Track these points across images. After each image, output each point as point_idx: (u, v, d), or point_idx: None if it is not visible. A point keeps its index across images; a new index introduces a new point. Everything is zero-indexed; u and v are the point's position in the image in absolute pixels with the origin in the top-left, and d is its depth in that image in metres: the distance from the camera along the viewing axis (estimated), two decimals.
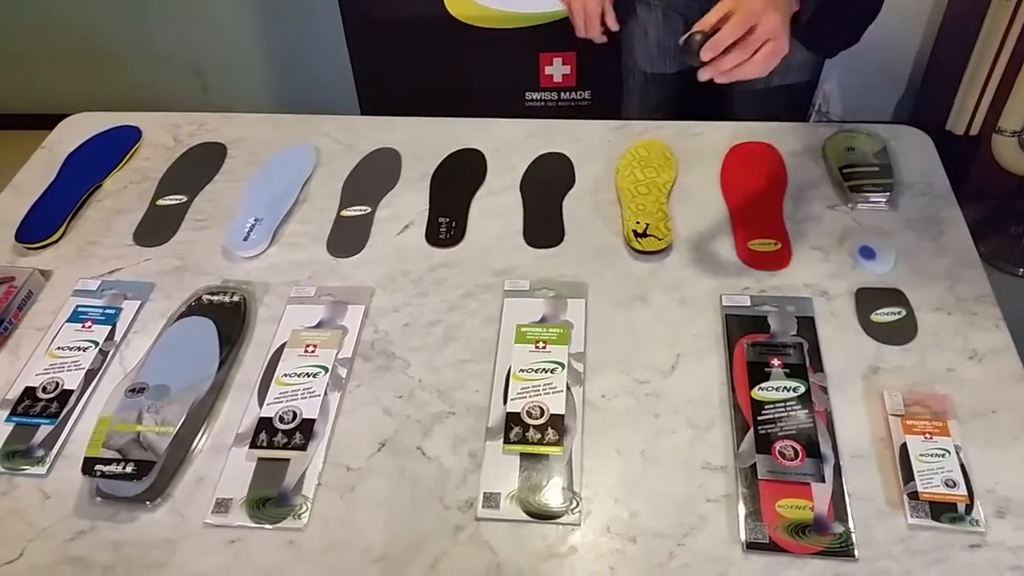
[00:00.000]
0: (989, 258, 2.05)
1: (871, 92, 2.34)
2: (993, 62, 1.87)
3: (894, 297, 0.98)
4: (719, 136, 1.23)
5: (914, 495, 0.80)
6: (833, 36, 1.17)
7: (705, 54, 0.89)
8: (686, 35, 0.89)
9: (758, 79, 0.91)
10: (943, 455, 0.82)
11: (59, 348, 0.99)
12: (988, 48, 1.88)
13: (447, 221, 1.12)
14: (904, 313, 0.97)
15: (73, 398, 0.94)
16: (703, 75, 0.90)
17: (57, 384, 0.95)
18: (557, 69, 1.82)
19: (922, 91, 2.24)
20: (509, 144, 1.24)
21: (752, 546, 0.77)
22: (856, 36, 1.15)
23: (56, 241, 1.14)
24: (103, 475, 0.83)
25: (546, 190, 1.17)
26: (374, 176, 1.21)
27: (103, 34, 2.44)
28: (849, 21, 1.13)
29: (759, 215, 1.09)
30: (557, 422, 0.87)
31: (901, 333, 0.95)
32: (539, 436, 0.86)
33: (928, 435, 0.84)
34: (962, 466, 0.81)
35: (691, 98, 1.48)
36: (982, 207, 2.10)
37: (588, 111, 1.88)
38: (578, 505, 0.82)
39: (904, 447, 0.83)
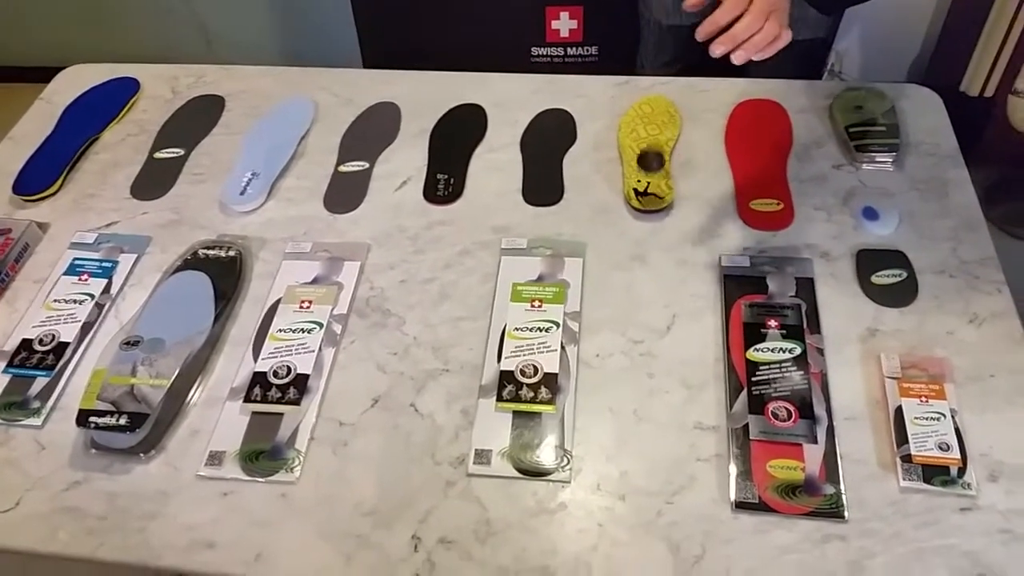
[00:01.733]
0: (1001, 223, 2.01)
1: (886, 52, 2.29)
2: (1011, 22, 1.82)
3: (896, 259, 0.97)
4: (726, 93, 1.20)
5: (907, 458, 0.79)
6: None
7: (699, 35, 0.86)
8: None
9: None
10: (938, 418, 0.82)
11: (56, 301, 0.99)
12: (1006, 7, 1.83)
13: (445, 177, 1.11)
14: (905, 275, 0.95)
15: (69, 350, 0.94)
16: (714, 50, 0.87)
17: (53, 336, 0.95)
18: (564, 23, 1.78)
19: (937, 51, 2.19)
20: (511, 99, 1.22)
21: (741, 505, 0.77)
22: None
23: (54, 194, 1.14)
24: (97, 427, 0.83)
25: (547, 147, 1.15)
26: (373, 131, 1.19)
27: None
28: None
29: (762, 174, 1.08)
30: (550, 381, 0.87)
31: (901, 295, 0.94)
32: (532, 394, 0.86)
33: (924, 398, 0.83)
34: (957, 430, 0.81)
35: (706, 51, 1.45)
36: (995, 171, 2.06)
37: (595, 67, 1.85)
38: (569, 463, 0.82)
39: (899, 410, 0.83)
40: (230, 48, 2.52)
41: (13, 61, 2.61)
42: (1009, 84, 1.94)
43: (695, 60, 1.44)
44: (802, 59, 1.38)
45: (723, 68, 1.41)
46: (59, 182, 1.14)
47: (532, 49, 1.83)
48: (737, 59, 0.85)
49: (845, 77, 2.28)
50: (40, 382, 0.92)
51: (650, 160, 1.03)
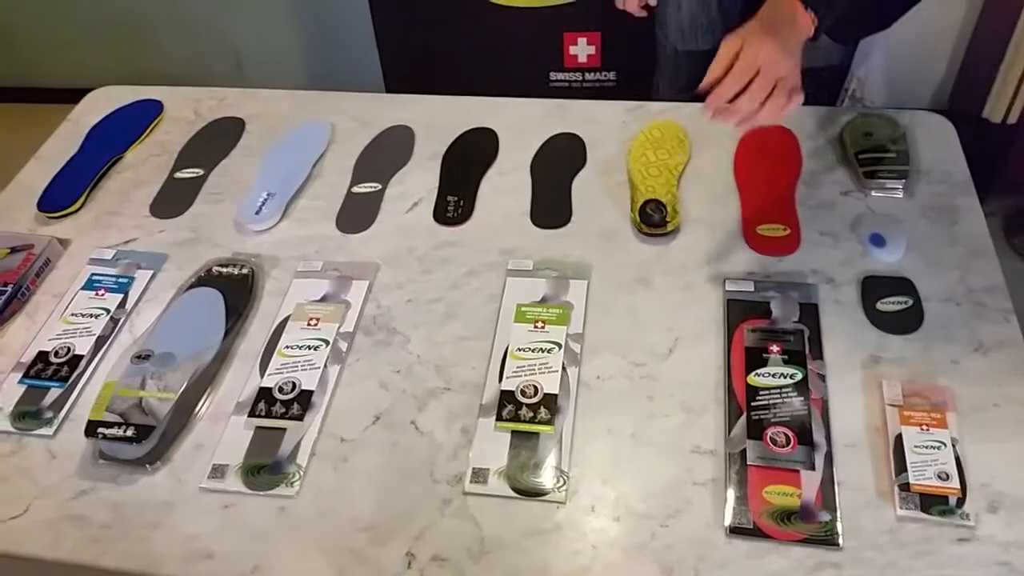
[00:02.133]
0: (1023, 251, 1.99)
1: (908, 78, 2.28)
2: None
3: (902, 286, 0.97)
4: None
5: (905, 486, 0.79)
6: (857, 28, 1.14)
7: (707, 111, 0.87)
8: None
9: None
10: (938, 447, 0.81)
11: (73, 314, 1.02)
12: None
13: (455, 200, 1.13)
14: (911, 302, 0.95)
15: (83, 363, 0.97)
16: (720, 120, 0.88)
17: (69, 349, 0.98)
18: (582, 49, 1.80)
19: (960, 77, 2.18)
20: (523, 124, 1.24)
21: (735, 530, 0.77)
22: (887, 23, 1.11)
23: (76, 211, 1.17)
24: (105, 437, 0.85)
25: (556, 171, 1.16)
26: (387, 153, 1.22)
27: (141, 9, 2.48)
28: (871, 13, 1.10)
29: (770, 200, 1.08)
30: (550, 401, 0.88)
31: (906, 322, 0.93)
32: (531, 414, 0.87)
33: (925, 427, 0.83)
34: (957, 459, 0.80)
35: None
36: (1017, 199, 2.04)
37: (613, 92, 1.86)
38: (565, 483, 0.82)
39: (899, 438, 0.82)
40: (260, 71, 2.57)
41: (45, 83, 2.69)
42: None
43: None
44: (816, 86, 1.39)
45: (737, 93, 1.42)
46: (82, 200, 1.18)
47: (550, 74, 1.85)
48: (742, 128, 0.86)
49: (867, 103, 2.27)
50: (54, 393, 0.94)
51: (650, 212, 1.03)
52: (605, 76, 1.85)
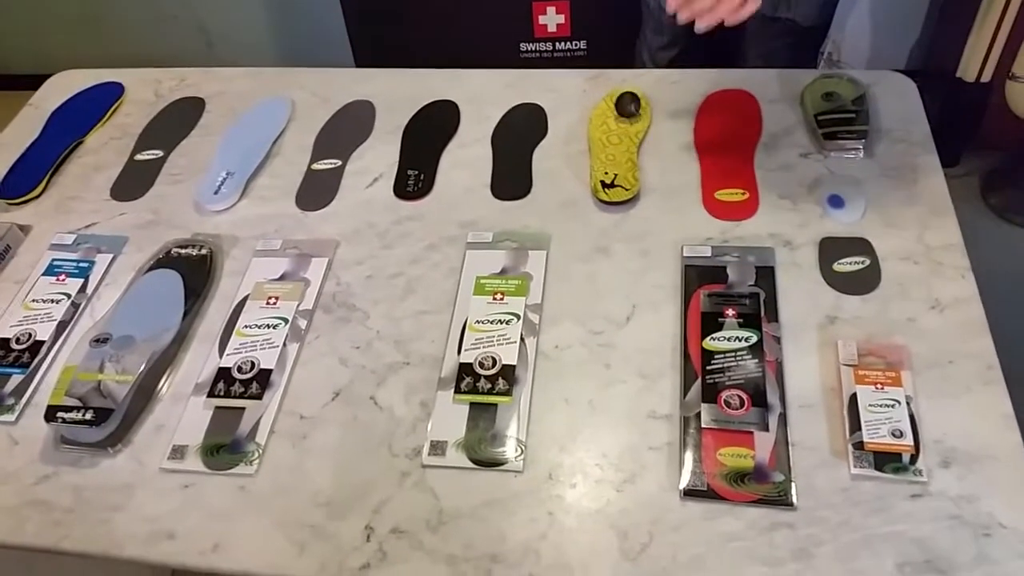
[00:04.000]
0: (1000, 210, 1.99)
1: (886, 39, 2.27)
2: (1005, 5, 1.79)
3: (859, 246, 0.97)
4: (697, 85, 1.20)
5: (859, 445, 0.79)
6: None
7: (668, 7, 0.88)
8: None
9: (764, 7, 0.89)
10: (892, 405, 0.81)
11: (33, 300, 1.02)
12: None
13: (415, 174, 1.12)
14: (868, 262, 0.95)
15: (44, 348, 0.97)
16: (681, 17, 0.89)
17: (30, 335, 0.98)
18: (551, 18, 1.79)
19: (935, 38, 2.17)
20: (484, 95, 1.23)
21: (690, 493, 0.78)
22: None
23: (37, 197, 1.16)
24: (64, 421, 0.85)
25: (517, 142, 1.16)
26: (347, 129, 1.21)
27: None
28: None
29: (729, 164, 1.08)
30: (508, 372, 0.88)
31: (863, 282, 0.93)
32: (489, 386, 0.87)
33: (879, 385, 0.83)
34: (911, 416, 0.81)
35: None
36: (994, 158, 2.04)
37: (584, 62, 1.85)
38: (522, 453, 0.83)
39: (853, 397, 0.82)
40: (231, 50, 2.55)
41: (10, 69, 2.66)
42: (1006, 69, 1.92)
43: (693, 42, 1.45)
44: (795, 46, 1.38)
45: (720, 51, 1.41)
46: (42, 185, 1.17)
47: (521, 45, 1.84)
48: (699, 26, 0.86)
49: (843, 65, 2.26)
50: (15, 379, 0.94)
51: (627, 102, 1.03)
52: (576, 45, 1.84)
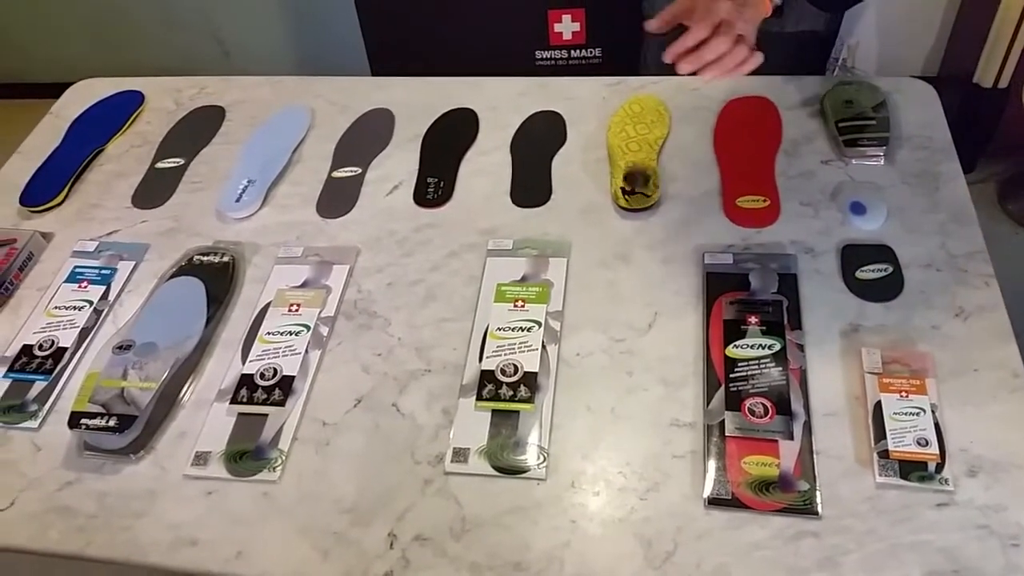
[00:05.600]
0: (1017, 216, 1.98)
1: (900, 44, 2.26)
2: (1023, 8, 1.79)
3: (882, 253, 0.96)
4: (716, 91, 1.20)
5: (884, 454, 0.79)
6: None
7: (667, 55, 0.89)
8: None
9: (772, 24, 0.89)
10: (917, 414, 0.81)
11: (56, 307, 1.02)
12: None
13: (435, 181, 1.12)
14: (891, 270, 0.94)
15: (67, 355, 0.97)
16: (681, 68, 0.89)
17: (52, 342, 0.98)
18: (567, 26, 1.79)
19: (951, 43, 2.16)
20: (503, 103, 1.24)
21: (714, 502, 0.77)
22: None
23: (58, 204, 1.17)
24: (88, 428, 0.86)
25: (536, 149, 1.16)
26: (367, 137, 1.21)
27: (127, 2, 2.47)
28: None
29: (750, 171, 1.07)
30: (530, 379, 0.88)
31: (886, 290, 0.93)
32: (511, 393, 0.87)
33: (904, 393, 0.83)
34: (936, 425, 0.80)
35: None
36: (1011, 164, 2.03)
37: (599, 69, 1.86)
38: (545, 460, 0.82)
39: (878, 405, 0.82)
40: (247, 58, 2.56)
41: (31, 78, 2.69)
42: (1023, 75, 1.91)
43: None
44: (801, 53, 1.37)
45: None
46: (64, 193, 1.18)
47: (536, 53, 1.85)
48: (704, 77, 0.87)
49: (857, 71, 2.26)
50: (39, 386, 0.95)
51: (636, 179, 1.04)
52: (591, 53, 1.84)
